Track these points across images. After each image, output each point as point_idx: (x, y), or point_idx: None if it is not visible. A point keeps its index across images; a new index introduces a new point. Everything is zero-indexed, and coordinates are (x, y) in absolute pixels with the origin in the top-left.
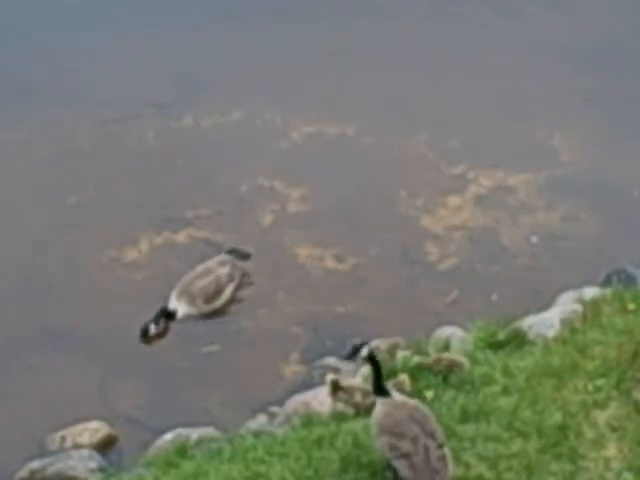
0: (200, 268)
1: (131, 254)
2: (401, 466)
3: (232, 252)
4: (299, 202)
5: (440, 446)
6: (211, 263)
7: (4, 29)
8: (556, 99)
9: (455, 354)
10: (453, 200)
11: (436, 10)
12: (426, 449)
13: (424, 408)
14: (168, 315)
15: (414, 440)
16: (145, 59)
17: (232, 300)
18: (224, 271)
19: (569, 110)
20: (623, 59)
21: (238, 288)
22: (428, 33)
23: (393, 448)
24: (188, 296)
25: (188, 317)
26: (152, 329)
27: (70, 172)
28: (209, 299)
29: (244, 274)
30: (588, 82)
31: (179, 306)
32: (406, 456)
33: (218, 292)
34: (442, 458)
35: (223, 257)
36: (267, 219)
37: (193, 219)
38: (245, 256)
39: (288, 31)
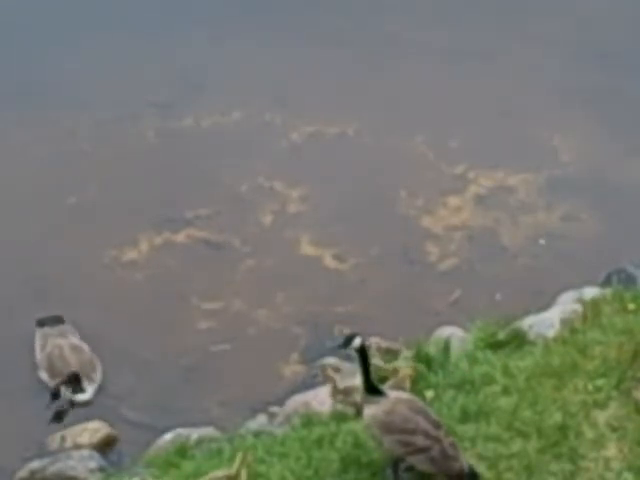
0: (50, 350)
1: (131, 254)
2: (418, 461)
3: (44, 322)
4: (299, 202)
5: (447, 434)
6: (50, 340)
7: (4, 30)
8: (556, 99)
9: (407, 367)
10: (453, 200)
11: (436, 11)
12: (438, 440)
13: (416, 398)
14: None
15: (426, 433)
16: (145, 59)
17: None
18: (75, 340)
19: (569, 110)
20: (623, 59)
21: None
22: (428, 33)
23: (406, 444)
24: (84, 375)
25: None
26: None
27: (70, 172)
28: (94, 369)
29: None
30: (588, 82)
31: (87, 387)
32: (423, 450)
33: (92, 360)
34: (453, 445)
35: (42, 330)
36: (267, 219)
37: (193, 219)
38: (58, 320)
39: (288, 31)
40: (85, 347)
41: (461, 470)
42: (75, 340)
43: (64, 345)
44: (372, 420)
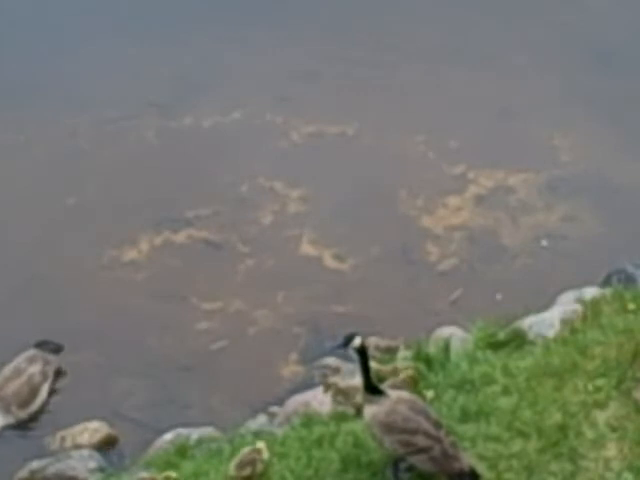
0: (8, 370)
1: (131, 254)
2: (420, 461)
3: (42, 345)
4: (299, 202)
5: (448, 434)
6: (20, 361)
7: (4, 30)
8: (556, 99)
9: (408, 369)
10: (453, 200)
11: (436, 10)
12: (439, 440)
13: (417, 398)
14: None
15: (427, 433)
16: (145, 59)
17: (48, 401)
18: (36, 369)
19: (569, 110)
20: (623, 59)
21: (53, 386)
22: (428, 33)
23: (407, 444)
24: (1, 404)
25: (5, 428)
26: None
27: (70, 172)
28: (24, 404)
29: (58, 370)
30: (588, 82)
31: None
32: (424, 450)
33: (33, 394)
34: (454, 445)
35: (32, 352)
36: (267, 219)
37: (193, 219)
38: (57, 349)
39: (288, 31)
40: (40, 380)
41: (462, 470)
42: (37, 370)
43: (22, 371)
44: (373, 420)
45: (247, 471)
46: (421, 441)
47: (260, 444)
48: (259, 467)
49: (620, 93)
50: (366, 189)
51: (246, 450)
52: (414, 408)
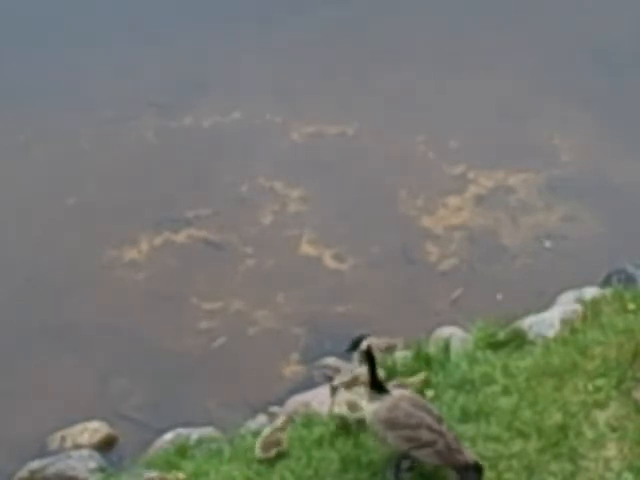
0: None
1: (131, 254)
2: (424, 455)
3: None
4: (299, 202)
5: (449, 429)
6: None
7: (5, 30)
8: (556, 99)
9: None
10: (453, 200)
11: (436, 10)
12: (442, 434)
13: (418, 395)
14: None
15: (430, 427)
16: (145, 59)
17: None
18: None
19: (569, 110)
20: (623, 59)
21: None
22: (428, 33)
23: (411, 439)
24: None
25: None
26: None
27: (70, 172)
28: None
29: None
30: (588, 82)
31: None
32: (428, 445)
33: None
34: (456, 439)
35: None
36: (267, 219)
37: (193, 219)
38: None
39: (288, 32)
40: None
41: (467, 462)
42: None
43: None
44: (375, 417)
45: (273, 452)
46: (425, 435)
47: (282, 418)
48: (284, 446)
49: (620, 93)
50: (366, 189)
51: (268, 431)
52: (416, 404)
